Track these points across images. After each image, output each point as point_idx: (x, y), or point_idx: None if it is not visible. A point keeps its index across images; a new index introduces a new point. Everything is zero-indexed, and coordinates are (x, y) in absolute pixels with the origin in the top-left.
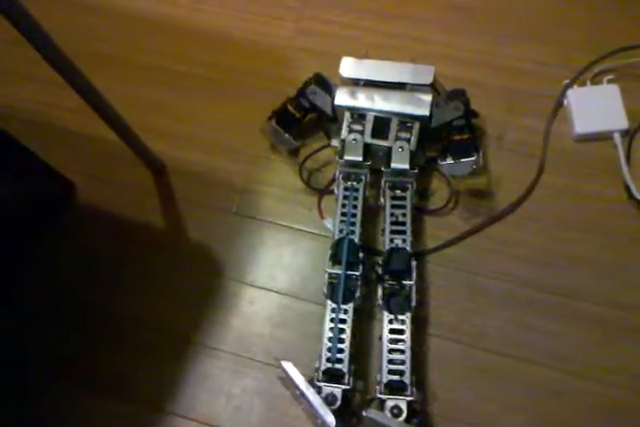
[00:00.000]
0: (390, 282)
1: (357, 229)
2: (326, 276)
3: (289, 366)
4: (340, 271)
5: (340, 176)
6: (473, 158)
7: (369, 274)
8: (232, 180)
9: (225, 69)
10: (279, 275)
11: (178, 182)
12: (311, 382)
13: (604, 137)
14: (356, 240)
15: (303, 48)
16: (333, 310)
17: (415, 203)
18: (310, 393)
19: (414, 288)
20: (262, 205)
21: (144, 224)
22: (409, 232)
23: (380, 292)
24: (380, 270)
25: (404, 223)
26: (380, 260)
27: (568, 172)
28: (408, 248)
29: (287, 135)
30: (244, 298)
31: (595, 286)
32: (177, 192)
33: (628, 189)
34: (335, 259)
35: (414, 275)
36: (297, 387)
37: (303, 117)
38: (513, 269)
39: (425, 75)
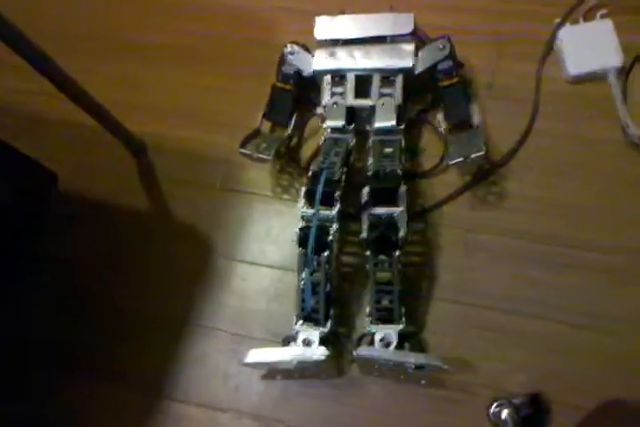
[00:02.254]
0: (376, 212)
1: (338, 165)
2: (299, 218)
3: (255, 354)
4: (313, 211)
5: (324, 142)
6: (482, 152)
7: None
8: (214, 153)
9: (200, 37)
10: (269, 249)
11: (160, 161)
12: (286, 339)
13: (598, 76)
14: (336, 176)
15: (281, 7)
16: (304, 263)
17: (406, 165)
18: (288, 352)
19: (405, 216)
20: (247, 177)
21: (130, 208)
22: (397, 158)
23: (364, 223)
24: (364, 196)
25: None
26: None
27: (563, 116)
28: (398, 170)
29: (257, 155)
30: (235, 275)
31: (596, 234)
32: (159, 171)
33: (625, 129)
34: (309, 197)
35: (404, 200)
36: (276, 362)
37: (296, 87)
38: (510, 222)
39: (404, 24)
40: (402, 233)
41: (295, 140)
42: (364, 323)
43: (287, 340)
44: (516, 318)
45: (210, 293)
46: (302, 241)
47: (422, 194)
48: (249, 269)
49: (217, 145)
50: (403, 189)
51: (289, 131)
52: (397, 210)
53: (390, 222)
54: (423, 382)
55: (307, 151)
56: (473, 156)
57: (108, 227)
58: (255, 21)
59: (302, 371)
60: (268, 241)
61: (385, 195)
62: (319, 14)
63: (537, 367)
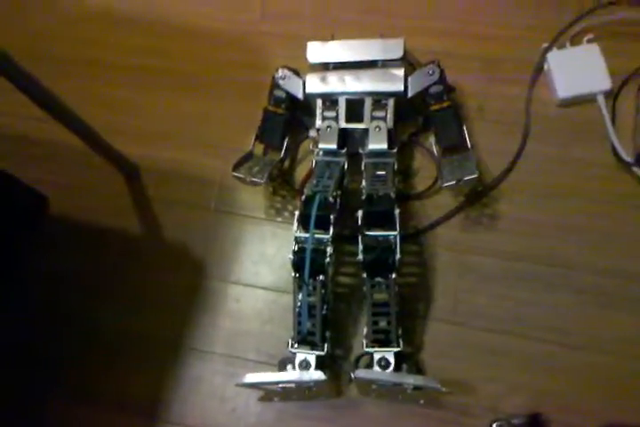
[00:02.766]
0: (371, 235)
1: (331, 188)
2: (293, 242)
3: (252, 377)
4: (307, 235)
5: (316, 166)
6: (475, 175)
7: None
8: (208, 176)
9: (189, 61)
10: (264, 271)
11: (152, 183)
12: (283, 362)
13: (587, 100)
14: (330, 199)
15: (269, 33)
16: (300, 286)
17: (399, 187)
18: (285, 376)
19: (398, 239)
20: (241, 199)
21: (122, 231)
22: (390, 181)
23: (360, 246)
24: (359, 219)
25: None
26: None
27: (553, 139)
28: (391, 193)
29: (250, 179)
30: (229, 297)
31: (587, 255)
32: (152, 193)
33: (615, 151)
34: (303, 221)
35: (398, 224)
36: (275, 382)
37: (288, 111)
38: (503, 244)
39: (395, 49)
40: (398, 256)
41: (288, 162)
42: (361, 344)
43: (284, 362)
44: (512, 339)
45: (203, 314)
46: (297, 265)
47: (416, 215)
48: (243, 291)
49: (210, 167)
50: (396, 211)
51: (281, 154)
52: (392, 233)
53: (386, 245)
54: (421, 401)
55: (300, 173)
56: (466, 178)
57: (99, 248)
58: (246, 45)
59: (299, 393)
60: (262, 263)
61: (379, 218)
62: (309, 39)
63: (535, 388)
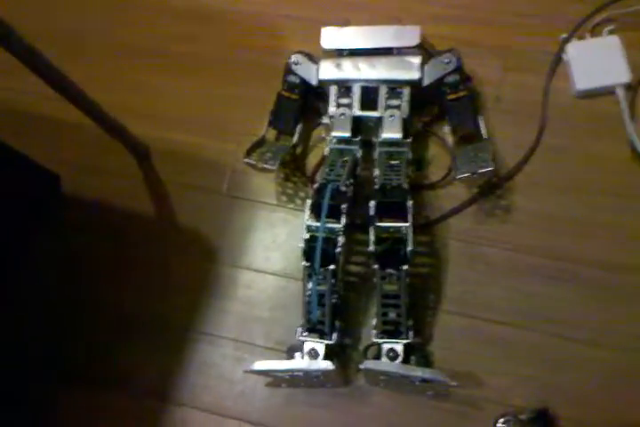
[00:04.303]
0: (383, 226)
1: (344, 177)
2: (305, 230)
3: (260, 365)
4: (319, 224)
5: (329, 153)
6: (491, 168)
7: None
8: (220, 159)
9: (202, 43)
10: (275, 256)
11: (164, 165)
12: (291, 349)
13: (606, 92)
14: (342, 188)
15: (287, 15)
16: (310, 275)
17: (412, 176)
18: (293, 365)
19: (411, 231)
20: (253, 184)
21: (133, 212)
22: (403, 171)
23: (371, 237)
24: (371, 210)
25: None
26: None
27: (570, 131)
28: (404, 184)
29: (262, 165)
30: (240, 282)
31: (602, 250)
32: (164, 176)
33: (633, 146)
34: (315, 210)
35: (410, 215)
36: (283, 371)
37: (302, 97)
38: (515, 236)
39: (410, 36)
40: (410, 247)
41: (300, 148)
42: (371, 334)
43: (292, 349)
44: (521, 332)
45: (214, 299)
46: (308, 254)
47: (428, 206)
48: (254, 277)
49: (222, 151)
50: (409, 203)
51: (294, 140)
52: (405, 224)
53: (398, 237)
54: (430, 393)
55: (312, 160)
56: (480, 171)
57: (110, 230)
58: (262, 28)
59: (307, 380)
60: (273, 249)
61: (391, 209)
62: (325, 22)
63: (543, 382)
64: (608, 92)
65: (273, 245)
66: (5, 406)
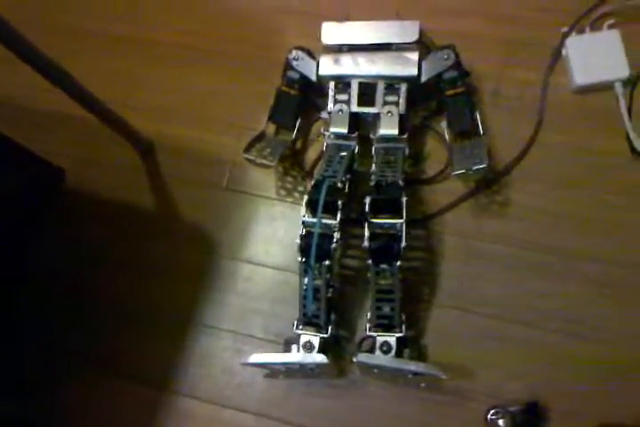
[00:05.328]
0: (378, 222)
1: (341, 173)
2: (301, 226)
3: (257, 358)
4: (315, 220)
5: (327, 149)
6: (484, 165)
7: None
8: (221, 153)
9: (205, 38)
10: (274, 250)
11: (166, 159)
12: (288, 341)
13: (604, 87)
14: (339, 184)
15: (286, 10)
16: (306, 270)
17: (408, 171)
18: (289, 358)
19: (404, 228)
20: (253, 178)
21: (135, 205)
22: (399, 167)
23: (366, 233)
24: (366, 206)
25: (395, 166)
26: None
27: (567, 126)
28: (399, 181)
29: (261, 161)
30: (240, 275)
31: (597, 246)
32: (166, 170)
33: (630, 142)
34: (311, 206)
35: (404, 212)
36: (279, 364)
37: (302, 92)
38: (512, 231)
39: (410, 32)
40: (403, 244)
41: (299, 143)
42: (365, 326)
43: (289, 342)
44: (515, 326)
45: (214, 292)
46: (304, 249)
47: (425, 200)
48: (254, 270)
49: (222, 145)
50: (404, 199)
51: (293, 135)
52: (399, 221)
53: (392, 233)
54: (422, 384)
55: (311, 154)
56: (475, 168)
57: (113, 223)
58: (261, 22)
59: (303, 372)
60: (273, 242)
61: (386, 206)
62: (324, 17)
63: (535, 376)
64: (607, 87)
65: (273, 238)
66: (4, 397)
